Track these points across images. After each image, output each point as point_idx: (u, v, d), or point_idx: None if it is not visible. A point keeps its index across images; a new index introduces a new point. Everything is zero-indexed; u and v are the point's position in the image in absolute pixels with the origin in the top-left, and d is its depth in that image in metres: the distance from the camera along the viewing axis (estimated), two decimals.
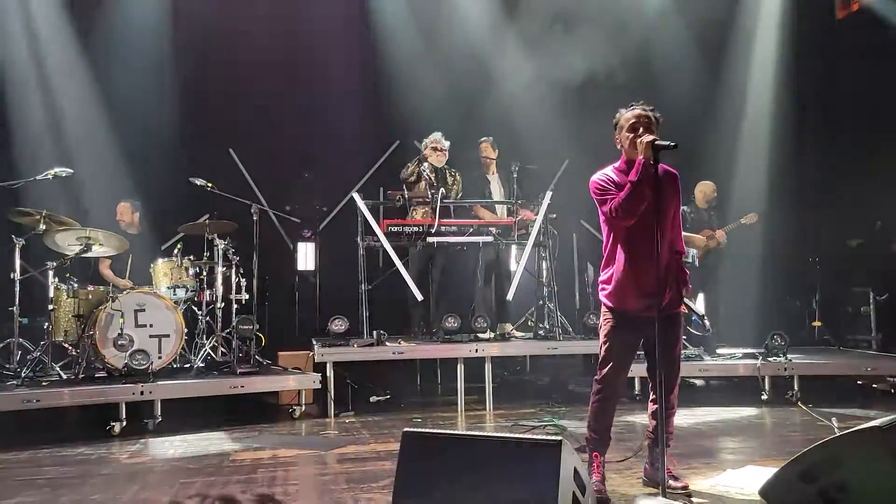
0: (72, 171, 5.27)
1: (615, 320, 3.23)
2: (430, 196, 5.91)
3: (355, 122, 7.44)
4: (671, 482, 3.12)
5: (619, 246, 3.19)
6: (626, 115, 3.19)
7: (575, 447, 3.02)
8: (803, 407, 5.19)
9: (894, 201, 7.44)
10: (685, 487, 3.20)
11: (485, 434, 2.69)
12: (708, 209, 6.81)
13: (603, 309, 3.31)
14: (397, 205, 5.96)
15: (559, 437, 2.47)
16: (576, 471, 2.56)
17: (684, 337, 6.02)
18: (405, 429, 2.65)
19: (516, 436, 2.56)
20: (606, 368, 3.23)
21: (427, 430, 2.65)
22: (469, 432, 2.71)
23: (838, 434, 2.80)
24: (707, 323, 3.31)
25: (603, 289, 3.29)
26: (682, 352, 5.83)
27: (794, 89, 7.86)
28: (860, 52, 7.43)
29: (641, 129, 3.13)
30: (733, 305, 6.97)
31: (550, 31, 7.43)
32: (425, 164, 6.05)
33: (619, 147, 3.26)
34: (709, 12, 7.59)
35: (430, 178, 5.94)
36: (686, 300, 3.28)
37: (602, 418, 3.26)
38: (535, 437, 2.57)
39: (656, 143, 3.00)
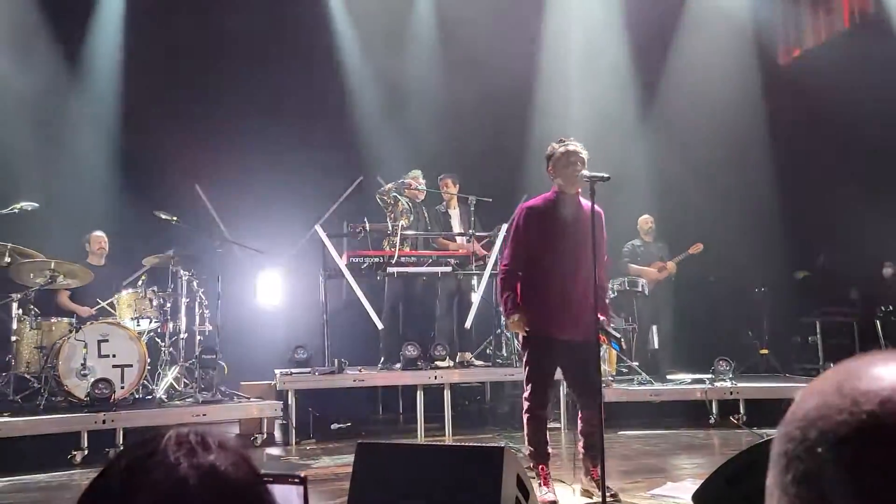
0: (37, 204, 5.35)
1: (531, 344, 3.52)
2: (391, 227, 6.10)
3: (320, 158, 7.66)
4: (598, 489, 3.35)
5: (534, 274, 3.49)
6: (560, 150, 3.49)
7: (526, 466, 3.20)
8: (734, 420, 5.56)
9: (834, 236, 7.86)
10: (615, 496, 3.42)
11: (433, 443, 2.84)
12: (654, 241, 7.13)
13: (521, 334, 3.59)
14: (359, 237, 6.16)
15: (501, 445, 2.65)
16: (519, 477, 2.73)
17: (636, 363, 6.34)
18: (359, 440, 2.80)
19: (462, 444, 2.74)
20: (529, 388, 3.52)
21: (380, 441, 2.82)
22: (418, 442, 2.87)
23: (762, 440, 3.03)
24: (622, 343, 3.64)
25: None
26: (635, 377, 6.17)
27: (740, 124, 8.27)
28: (804, 92, 7.87)
29: (579, 165, 3.43)
30: (684, 333, 7.25)
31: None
32: (403, 197, 6.23)
33: (551, 179, 3.55)
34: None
35: (407, 207, 6.15)
36: (606, 328, 3.55)
37: (536, 433, 3.52)
38: (479, 444, 2.75)
39: (590, 176, 3.28)
